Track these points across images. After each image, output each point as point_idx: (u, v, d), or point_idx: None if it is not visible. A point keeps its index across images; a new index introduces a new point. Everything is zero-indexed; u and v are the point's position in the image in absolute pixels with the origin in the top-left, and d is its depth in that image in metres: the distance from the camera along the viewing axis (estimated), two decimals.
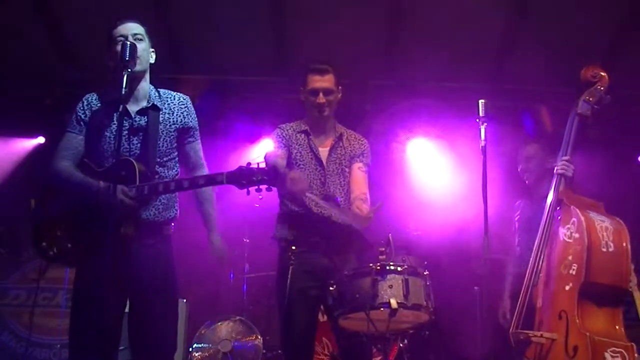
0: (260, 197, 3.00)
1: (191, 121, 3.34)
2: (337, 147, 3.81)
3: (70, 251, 3.08)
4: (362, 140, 3.93)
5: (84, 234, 3.04)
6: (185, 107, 3.33)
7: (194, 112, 3.38)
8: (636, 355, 3.06)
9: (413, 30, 5.73)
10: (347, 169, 3.81)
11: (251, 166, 2.90)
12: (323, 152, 3.80)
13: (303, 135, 3.81)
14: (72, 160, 3.19)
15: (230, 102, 6.35)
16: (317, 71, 3.78)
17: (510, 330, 3.37)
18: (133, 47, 3.04)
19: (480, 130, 3.48)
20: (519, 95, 6.15)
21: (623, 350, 3.05)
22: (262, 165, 2.93)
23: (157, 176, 3.16)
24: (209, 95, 6.02)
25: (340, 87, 3.83)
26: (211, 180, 3.02)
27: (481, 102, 3.47)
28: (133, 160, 3.07)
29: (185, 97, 3.37)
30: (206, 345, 5.32)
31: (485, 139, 3.48)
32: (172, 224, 3.29)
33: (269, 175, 2.88)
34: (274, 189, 2.97)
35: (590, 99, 3.56)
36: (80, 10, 5.59)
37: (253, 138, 6.63)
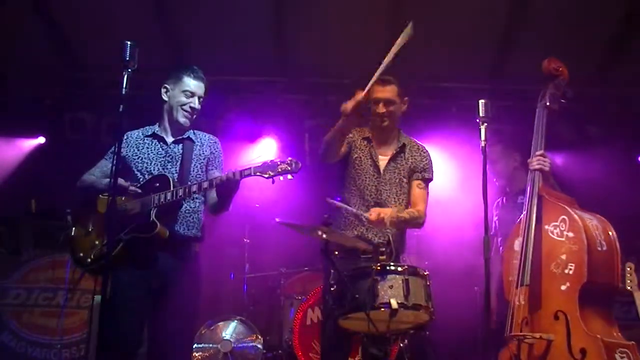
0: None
1: (215, 152, 3.69)
2: (398, 157, 3.93)
3: (104, 255, 3.28)
4: (424, 153, 4.04)
5: (114, 239, 3.30)
6: (214, 142, 3.74)
7: (221, 149, 3.76)
8: (638, 354, 3.03)
9: (413, 30, 5.72)
10: (405, 180, 3.92)
11: (274, 160, 3.26)
12: (382, 160, 3.92)
13: (365, 142, 3.95)
14: (98, 177, 3.59)
15: (230, 102, 6.35)
16: (380, 82, 3.85)
17: (505, 333, 3.30)
18: (133, 48, 3.06)
19: (480, 130, 3.47)
20: (519, 95, 6.15)
21: (628, 350, 3.02)
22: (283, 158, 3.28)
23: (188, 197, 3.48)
24: (209, 95, 6.01)
25: (405, 99, 3.96)
26: (240, 173, 3.29)
27: (481, 102, 3.46)
28: (167, 175, 3.45)
29: (215, 137, 3.79)
30: (207, 345, 5.32)
31: (485, 139, 3.47)
32: (199, 243, 3.59)
33: (291, 165, 3.22)
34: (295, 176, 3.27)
35: (557, 92, 3.57)
36: (80, 10, 5.58)
37: (253, 138, 6.63)
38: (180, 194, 3.34)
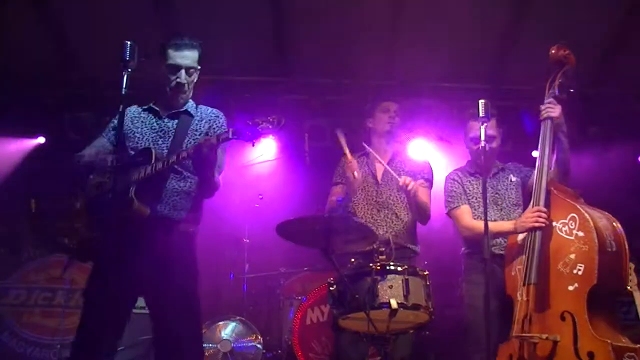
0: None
1: (215, 127, 3.44)
2: (395, 160, 4.33)
3: (91, 238, 3.15)
4: (422, 160, 4.50)
5: (98, 221, 3.13)
6: (215, 116, 3.49)
7: (224, 123, 3.49)
8: None
9: (413, 31, 5.73)
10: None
11: (253, 120, 3.09)
12: (379, 167, 4.29)
13: (364, 157, 4.41)
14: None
15: (230, 102, 6.34)
16: (386, 99, 4.55)
17: (513, 334, 3.28)
18: (133, 48, 3.05)
19: (480, 130, 3.47)
20: (519, 95, 6.15)
21: (635, 354, 2.97)
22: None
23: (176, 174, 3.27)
24: (209, 95, 6.00)
25: None
26: (217, 137, 3.11)
27: (481, 102, 3.45)
28: (152, 149, 3.21)
29: (218, 111, 3.54)
30: (206, 345, 5.30)
31: (486, 139, 3.47)
32: (192, 224, 3.35)
33: (273, 122, 3.11)
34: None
35: (566, 81, 3.51)
36: (80, 11, 5.58)
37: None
38: (159, 167, 3.11)
